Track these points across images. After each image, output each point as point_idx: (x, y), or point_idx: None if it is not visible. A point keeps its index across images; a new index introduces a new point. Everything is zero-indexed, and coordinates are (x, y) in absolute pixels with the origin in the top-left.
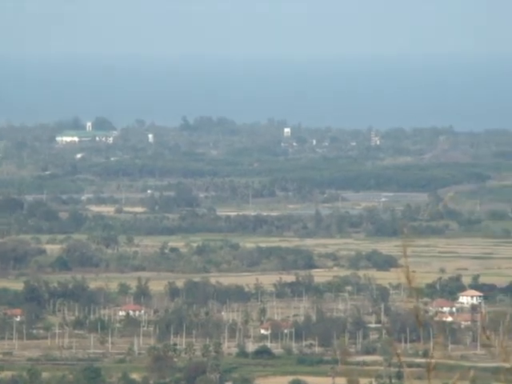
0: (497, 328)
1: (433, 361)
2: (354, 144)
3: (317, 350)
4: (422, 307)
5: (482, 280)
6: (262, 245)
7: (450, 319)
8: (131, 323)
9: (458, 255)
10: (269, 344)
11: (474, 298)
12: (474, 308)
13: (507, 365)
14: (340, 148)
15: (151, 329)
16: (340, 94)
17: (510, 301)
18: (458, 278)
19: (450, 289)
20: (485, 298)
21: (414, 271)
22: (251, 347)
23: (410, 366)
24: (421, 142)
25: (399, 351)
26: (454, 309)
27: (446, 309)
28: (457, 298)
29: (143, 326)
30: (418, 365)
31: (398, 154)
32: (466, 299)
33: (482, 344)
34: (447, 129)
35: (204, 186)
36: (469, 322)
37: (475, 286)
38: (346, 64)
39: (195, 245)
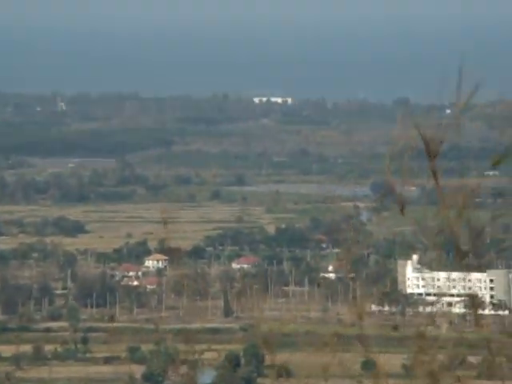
0: (181, 290)
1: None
2: (39, 109)
3: (1, 317)
4: (109, 272)
5: (168, 244)
6: None
7: (136, 283)
8: None
9: (145, 220)
10: None
11: (160, 262)
12: (159, 272)
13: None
14: (24, 113)
15: None
16: (29, 57)
17: (194, 263)
18: (144, 243)
19: (137, 253)
20: (170, 261)
21: (101, 236)
22: None
23: (96, 330)
24: (107, 107)
25: None
26: (140, 273)
27: (132, 273)
28: (143, 263)
29: None
30: (104, 329)
31: (84, 120)
32: (152, 263)
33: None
34: (133, 94)
35: None
36: (154, 286)
37: (161, 249)
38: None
39: None
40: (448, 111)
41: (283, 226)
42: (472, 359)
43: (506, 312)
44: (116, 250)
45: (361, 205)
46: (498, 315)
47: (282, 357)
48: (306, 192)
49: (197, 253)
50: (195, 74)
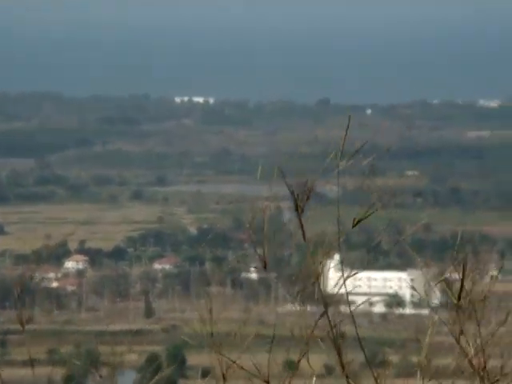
0: (102, 292)
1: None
2: None
3: None
4: (27, 274)
5: (88, 245)
6: None
7: (55, 285)
8: None
9: (65, 221)
10: None
11: (80, 263)
12: (79, 273)
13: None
14: None
15: None
16: None
17: (115, 265)
18: (64, 244)
19: (56, 254)
20: (91, 262)
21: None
22: None
23: (14, 333)
24: (27, 107)
25: None
26: (59, 274)
27: (51, 274)
28: (63, 264)
29: None
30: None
31: (3, 119)
32: (72, 264)
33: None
34: (54, 94)
35: None
36: (74, 287)
37: (81, 250)
38: None
39: None
40: (369, 111)
41: (205, 226)
42: (391, 358)
43: (426, 311)
44: (35, 252)
45: (282, 205)
46: (418, 314)
47: (203, 358)
48: (227, 192)
49: (118, 254)
50: (115, 74)
